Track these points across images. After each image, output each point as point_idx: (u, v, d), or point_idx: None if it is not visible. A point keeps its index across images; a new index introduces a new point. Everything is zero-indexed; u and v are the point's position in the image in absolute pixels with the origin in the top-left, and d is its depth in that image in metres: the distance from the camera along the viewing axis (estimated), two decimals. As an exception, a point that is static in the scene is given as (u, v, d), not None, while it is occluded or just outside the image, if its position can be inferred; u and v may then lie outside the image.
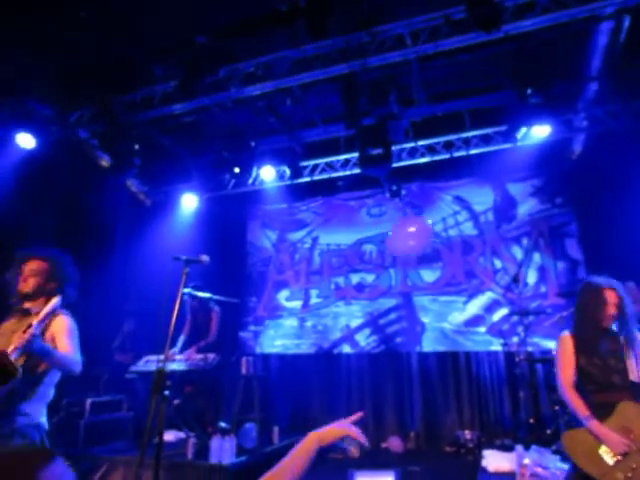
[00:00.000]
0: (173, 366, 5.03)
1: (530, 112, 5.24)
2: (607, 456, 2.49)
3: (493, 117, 5.85)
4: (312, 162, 6.88)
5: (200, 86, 4.93)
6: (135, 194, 7.07)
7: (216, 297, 5.69)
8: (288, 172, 6.80)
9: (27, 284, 2.77)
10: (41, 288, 2.79)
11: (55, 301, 2.64)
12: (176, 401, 5.05)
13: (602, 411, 2.57)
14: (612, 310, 2.70)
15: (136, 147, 5.83)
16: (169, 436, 4.76)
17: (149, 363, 5.05)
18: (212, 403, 5.34)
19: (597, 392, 2.64)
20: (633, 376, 2.60)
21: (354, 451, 5.86)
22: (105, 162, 5.96)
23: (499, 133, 6.04)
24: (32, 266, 2.80)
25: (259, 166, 6.60)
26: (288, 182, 6.99)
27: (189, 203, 7.26)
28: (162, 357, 3.30)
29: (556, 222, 6.33)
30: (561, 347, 2.81)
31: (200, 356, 5.18)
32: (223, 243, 7.17)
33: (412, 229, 5.23)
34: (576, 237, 6.18)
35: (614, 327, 2.75)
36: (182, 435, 4.87)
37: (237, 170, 5.97)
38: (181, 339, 5.74)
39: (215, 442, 4.58)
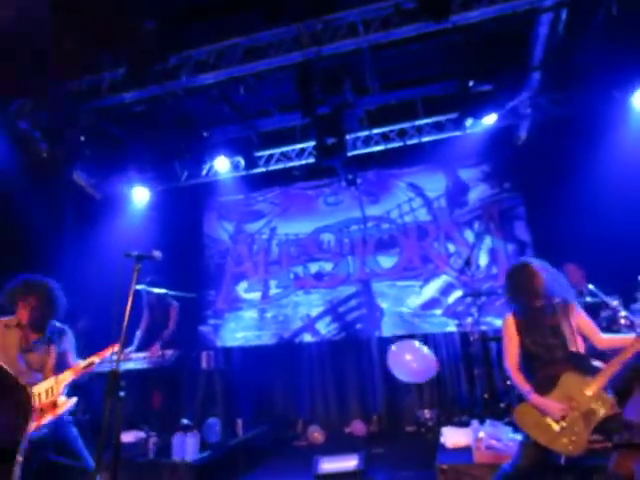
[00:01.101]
0: (129, 365, 4.91)
1: (478, 101, 5.41)
2: (553, 424, 2.68)
3: (444, 105, 5.98)
4: (267, 152, 6.81)
5: (150, 74, 4.75)
6: (83, 187, 6.75)
7: (172, 292, 5.59)
8: (243, 162, 6.69)
9: (23, 317, 3.15)
10: (37, 321, 3.18)
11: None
12: (133, 400, 4.93)
13: (547, 383, 2.76)
14: (538, 281, 2.85)
15: (82, 138, 5.58)
16: (128, 437, 4.65)
17: (104, 362, 4.90)
18: (173, 400, 5.25)
19: (542, 368, 2.82)
20: (573, 347, 2.79)
21: (318, 437, 5.95)
22: (48, 154, 5.66)
23: (450, 120, 6.20)
24: (24, 303, 3.16)
25: (213, 157, 6.47)
26: (243, 172, 6.89)
27: (141, 196, 7.03)
28: (116, 357, 3.22)
29: (505, 206, 6.59)
30: (505, 328, 3.00)
31: (158, 353, 5.07)
32: (178, 236, 7.00)
33: (409, 357, 5.35)
34: (524, 220, 6.46)
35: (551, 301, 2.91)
36: (142, 435, 4.77)
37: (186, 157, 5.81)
38: (137, 335, 5.59)
39: (177, 439, 4.53)
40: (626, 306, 4.37)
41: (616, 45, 4.79)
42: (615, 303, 4.24)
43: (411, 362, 5.40)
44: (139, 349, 5.34)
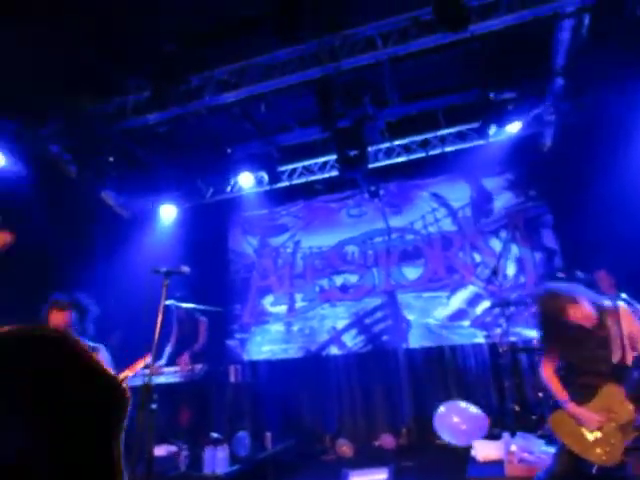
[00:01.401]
0: (160, 379, 5.00)
1: (500, 108, 5.39)
2: (587, 434, 2.65)
3: (466, 114, 5.97)
4: (290, 166, 6.91)
5: (173, 95, 4.91)
6: (112, 207, 6.97)
7: (200, 307, 5.69)
8: (266, 177, 6.80)
9: None
10: None
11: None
12: (164, 414, 5.00)
13: (587, 393, 2.71)
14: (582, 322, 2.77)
15: (110, 159, 5.78)
16: (160, 450, 4.72)
17: (136, 377, 5.00)
18: (203, 413, 5.32)
19: (583, 376, 2.77)
20: (616, 359, 2.72)
21: (347, 451, 5.90)
22: (78, 175, 5.88)
23: (473, 130, 6.17)
24: (57, 318, 3.31)
25: (237, 173, 6.60)
26: (267, 187, 7.00)
27: (168, 214, 7.21)
28: (148, 371, 3.30)
29: (531, 214, 6.48)
30: (544, 339, 2.93)
31: (188, 367, 5.16)
32: (205, 252, 7.12)
33: (456, 419, 5.31)
34: (551, 228, 6.33)
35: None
36: (174, 448, 4.84)
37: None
38: (167, 350, 5.70)
39: (208, 453, 4.58)
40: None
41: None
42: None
43: (459, 424, 5.28)
44: (169, 363, 5.44)
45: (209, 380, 5.30)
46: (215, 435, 4.85)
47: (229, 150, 5.92)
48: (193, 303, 5.60)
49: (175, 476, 4.51)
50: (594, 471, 2.60)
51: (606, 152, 5.45)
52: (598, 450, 2.59)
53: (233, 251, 7.88)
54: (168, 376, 5.09)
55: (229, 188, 7.19)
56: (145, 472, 3.21)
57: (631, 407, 2.59)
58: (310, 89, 5.08)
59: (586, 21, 4.58)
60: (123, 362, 5.33)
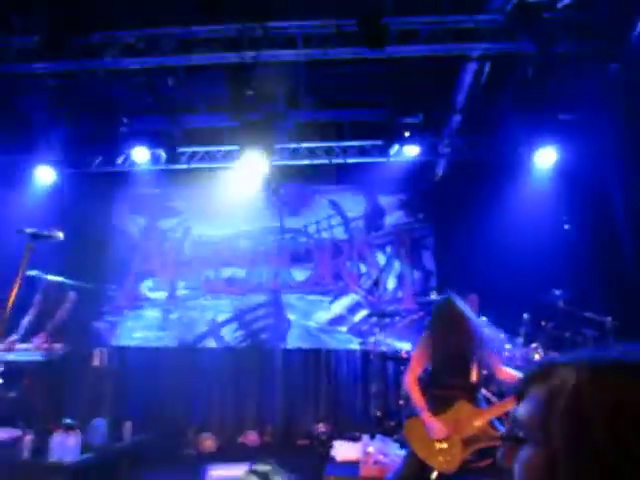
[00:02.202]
0: (10, 356, 4.50)
1: (403, 132, 5.71)
2: (435, 442, 2.89)
3: (371, 130, 6.22)
4: (191, 149, 6.61)
5: (67, 47, 4.40)
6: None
7: (70, 282, 5.20)
8: (164, 156, 6.44)
9: None
10: None
11: None
12: (11, 394, 4.50)
13: (442, 404, 2.96)
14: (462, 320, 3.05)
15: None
16: (1, 434, 4.23)
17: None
18: (56, 397, 4.86)
19: (442, 388, 3.01)
20: (473, 379, 3.00)
21: (210, 445, 5.78)
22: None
23: (375, 146, 6.44)
24: None
25: (131, 146, 6.14)
26: (163, 166, 6.62)
27: (45, 176, 6.47)
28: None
29: (417, 235, 6.95)
30: (420, 344, 3.15)
31: (45, 346, 4.68)
32: (83, 224, 6.51)
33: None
34: (432, 250, 6.86)
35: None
36: (17, 432, 4.35)
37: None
38: (24, 323, 5.09)
39: (56, 439, 4.19)
40: (511, 340, 4.79)
41: (527, 105, 5.30)
42: (502, 336, 4.63)
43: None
44: (24, 339, 4.87)
45: (69, 362, 4.85)
46: (67, 421, 4.45)
47: (125, 120, 5.48)
48: (63, 277, 5.10)
49: (15, 463, 4.06)
50: (433, 477, 2.86)
51: (489, 190, 6.06)
52: (440, 458, 2.84)
53: (116, 228, 7.32)
54: (20, 353, 4.58)
55: (120, 160, 6.66)
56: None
57: (478, 424, 2.87)
58: (223, 74, 4.92)
59: (487, 69, 5.06)
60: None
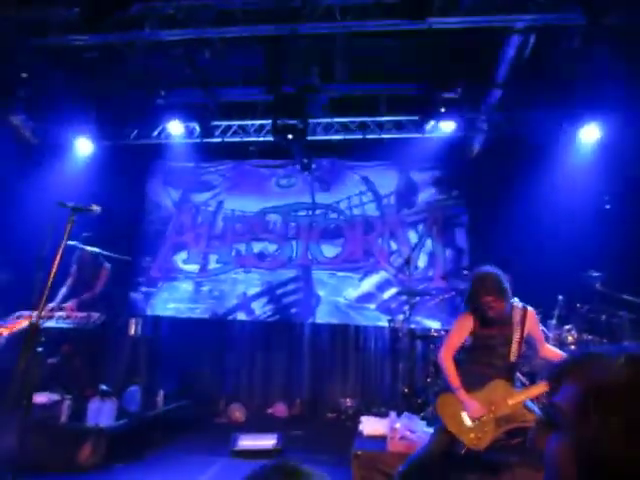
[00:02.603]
0: (50, 323, 4.66)
1: (440, 107, 5.55)
2: (467, 419, 2.89)
3: (407, 105, 6.07)
4: (225, 123, 6.61)
5: (107, 19, 4.42)
6: (18, 130, 6.25)
7: (106, 253, 5.33)
8: (198, 130, 6.47)
9: None
10: None
11: None
12: (51, 360, 4.69)
13: (477, 381, 2.93)
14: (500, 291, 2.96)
15: (23, 75, 5.14)
16: (41, 398, 4.43)
17: (20, 319, 4.61)
18: (93, 365, 5.05)
19: (479, 365, 2.99)
20: (513, 358, 2.97)
21: (239, 416, 5.95)
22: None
23: (411, 121, 6.30)
24: None
25: (167, 119, 6.19)
26: (197, 140, 6.65)
27: (84, 148, 6.61)
28: (37, 312, 3.03)
29: (450, 212, 6.84)
30: (459, 323, 3.08)
31: (83, 314, 4.83)
32: (119, 196, 6.61)
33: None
34: (465, 228, 6.74)
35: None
36: (56, 397, 4.56)
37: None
38: (62, 292, 5.28)
39: (93, 405, 4.38)
40: (543, 321, 4.70)
41: (572, 79, 5.07)
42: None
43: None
44: (61, 308, 5.05)
45: (106, 331, 5.01)
46: (104, 387, 4.64)
47: (163, 93, 5.51)
48: (99, 248, 5.23)
49: (53, 425, 4.26)
50: (463, 452, 2.88)
51: (527, 168, 5.87)
52: (472, 435, 2.86)
53: (151, 200, 7.45)
54: (59, 321, 4.74)
55: (156, 133, 6.73)
56: (22, 419, 3.00)
57: (511, 403, 2.85)
58: (260, 47, 4.87)
59: (531, 40, 4.84)
60: (10, 304, 4.88)
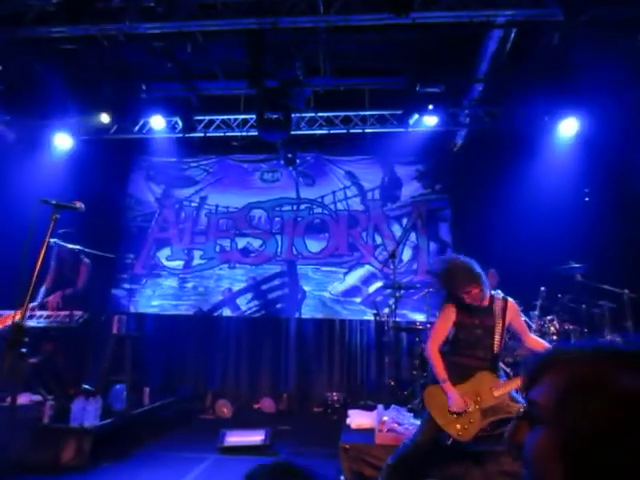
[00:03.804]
0: (32, 322, 4.56)
1: (423, 101, 5.58)
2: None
3: (391, 99, 6.08)
4: (208, 117, 6.53)
5: (88, 10, 4.31)
6: (-6, 124, 6.09)
7: (88, 250, 5.24)
8: (180, 124, 6.38)
9: None
10: None
11: None
12: (33, 360, 4.60)
13: (462, 372, 2.96)
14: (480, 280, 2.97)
15: (-1, 68, 5.01)
16: (23, 399, 4.35)
17: (2, 318, 4.51)
18: (76, 363, 4.96)
19: (463, 357, 3.01)
20: (496, 349, 3.01)
21: (226, 411, 5.94)
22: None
23: (394, 116, 6.32)
24: None
25: (148, 114, 6.10)
26: (179, 135, 6.57)
27: (62, 143, 6.47)
28: (20, 311, 2.97)
29: (434, 206, 6.90)
30: (443, 315, 3.07)
31: (65, 312, 4.75)
32: (100, 192, 6.50)
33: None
34: (448, 222, 6.81)
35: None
36: (38, 398, 4.48)
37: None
38: (42, 291, 5.17)
39: (77, 404, 4.30)
40: (526, 312, 4.79)
41: (551, 74, 5.14)
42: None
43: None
44: (43, 306, 4.96)
45: (89, 329, 4.93)
46: (87, 387, 4.57)
47: (144, 87, 5.41)
48: (79, 244, 5.13)
49: (36, 427, 4.18)
50: (449, 443, 2.93)
51: (509, 161, 5.95)
52: (458, 426, 2.89)
53: (132, 196, 7.35)
54: (40, 320, 4.65)
55: (137, 128, 6.62)
56: (5, 420, 2.94)
57: (497, 394, 2.89)
58: (242, 40, 4.81)
59: (512, 36, 4.89)
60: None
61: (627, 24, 4.60)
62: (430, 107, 5.40)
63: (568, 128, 5.68)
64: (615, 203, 5.50)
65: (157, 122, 6.24)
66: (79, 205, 3.24)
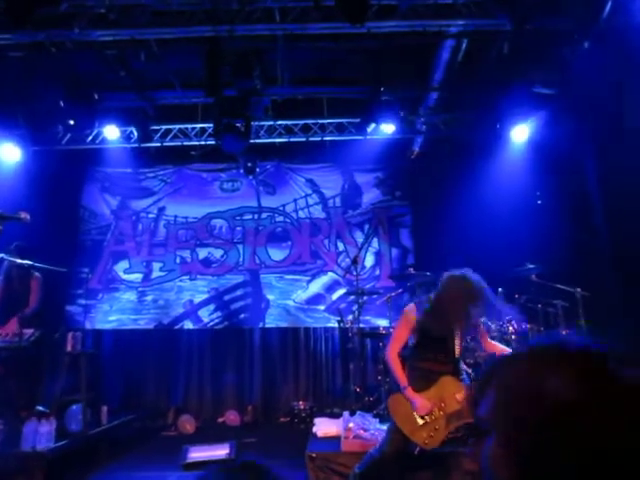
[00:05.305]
0: (-22, 344, 4.33)
1: (380, 109, 5.67)
2: (418, 418, 2.90)
3: (349, 108, 6.16)
4: (164, 126, 6.41)
5: (32, 15, 4.14)
6: None
7: (39, 265, 5.01)
8: (136, 134, 6.23)
9: None
10: None
11: None
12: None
13: (425, 378, 2.95)
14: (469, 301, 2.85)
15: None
16: (-30, 424, 4.09)
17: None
18: (28, 385, 4.72)
19: (425, 362, 3.01)
20: (457, 352, 3.02)
21: (188, 427, 5.77)
22: None
23: (352, 124, 6.39)
24: None
25: (102, 123, 5.92)
26: (135, 145, 6.41)
27: (10, 155, 6.19)
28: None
29: (394, 213, 7.01)
30: (404, 320, 3.03)
31: (14, 331, 4.52)
32: (52, 205, 6.24)
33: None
34: (409, 228, 6.93)
35: None
36: (-13, 423, 4.22)
37: (72, 122, 5.26)
38: (-10, 308, 4.90)
39: (29, 427, 4.08)
40: (485, 314, 4.90)
41: (502, 81, 5.33)
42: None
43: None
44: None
45: (41, 347, 4.70)
46: (40, 408, 4.35)
47: (96, 96, 5.25)
48: (30, 259, 4.90)
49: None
50: (416, 452, 2.89)
51: (464, 167, 6.13)
52: (424, 434, 2.86)
53: (86, 209, 7.09)
54: (-12, 341, 4.41)
55: (90, 138, 6.42)
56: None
57: (459, 399, 2.90)
58: (199, 49, 4.75)
59: (464, 45, 5.05)
60: None
61: (569, 33, 4.82)
62: (386, 114, 5.49)
63: (520, 134, 5.91)
64: (565, 205, 5.74)
65: (111, 132, 6.07)
66: (24, 216, 3.10)
